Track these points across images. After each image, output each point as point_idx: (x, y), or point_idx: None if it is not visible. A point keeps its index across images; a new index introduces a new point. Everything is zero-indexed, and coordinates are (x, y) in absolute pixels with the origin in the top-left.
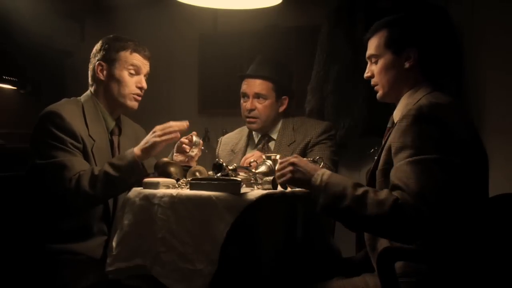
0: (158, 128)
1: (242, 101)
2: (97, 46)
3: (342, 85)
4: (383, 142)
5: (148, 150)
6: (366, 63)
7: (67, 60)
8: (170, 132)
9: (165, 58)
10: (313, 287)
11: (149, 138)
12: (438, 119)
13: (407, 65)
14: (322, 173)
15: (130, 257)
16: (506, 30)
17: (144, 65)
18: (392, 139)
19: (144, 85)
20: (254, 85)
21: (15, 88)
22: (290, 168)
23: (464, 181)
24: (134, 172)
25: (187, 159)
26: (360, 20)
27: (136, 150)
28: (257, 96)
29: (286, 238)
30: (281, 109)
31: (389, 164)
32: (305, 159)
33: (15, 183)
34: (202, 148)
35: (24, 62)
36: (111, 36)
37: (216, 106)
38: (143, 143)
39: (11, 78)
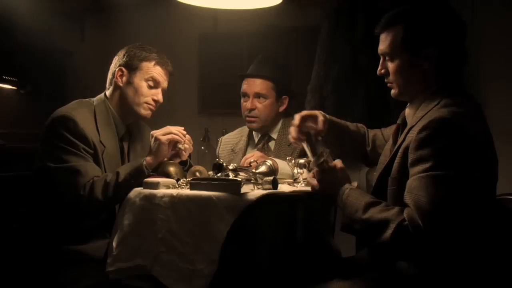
0: (156, 132)
1: (242, 100)
2: (122, 51)
3: (342, 85)
4: (391, 141)
5: (156, 155)
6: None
7: (67, 60)
8: (170, 132)
9: None
10: None
11: (152, 143)
12: (461, 132)
13: (426, 66)
14: (342, 193)
15: (131, 257)
16: (506, 33)
17: (164, 80)
18: (410, 149)
19: (161, 98)
20: (254, 85)
21: (15, 88)
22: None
23: (481, 194)
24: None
25: (179, 151)
26: (360, 20)
27: (147, 158)
28: (258, 95)
29: (286, 238)
30: (281, 108)
31: (402, 173)
32: (336, 165)
33: (15, 183)
34: (202, 148)
35: (24, 62)
36: (137, 44)
37: (216, 106)
38: (151, 149)
39: (11, 78)
